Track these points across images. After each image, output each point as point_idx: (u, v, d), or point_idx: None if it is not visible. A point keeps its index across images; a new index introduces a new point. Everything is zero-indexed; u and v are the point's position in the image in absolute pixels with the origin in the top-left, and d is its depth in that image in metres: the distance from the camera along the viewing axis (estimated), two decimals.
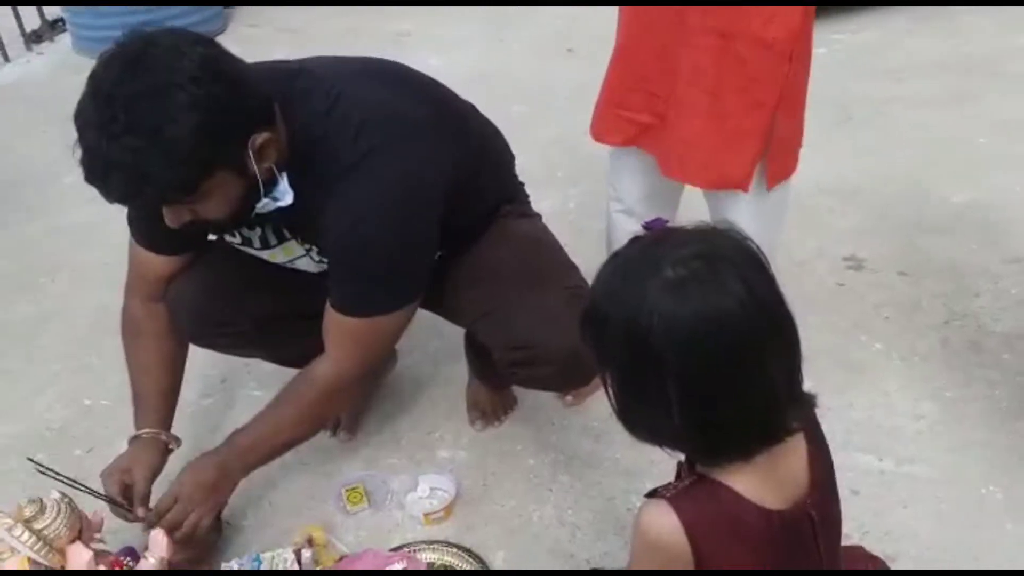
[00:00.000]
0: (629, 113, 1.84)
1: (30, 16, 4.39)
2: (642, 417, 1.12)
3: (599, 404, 1.87)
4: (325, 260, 1.64)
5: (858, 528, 1.75)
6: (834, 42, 3.71)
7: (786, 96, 1.70)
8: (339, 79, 1.54)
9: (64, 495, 1.41)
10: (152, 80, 1.30)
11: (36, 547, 1.32)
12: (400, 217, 1.51)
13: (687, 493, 1.13)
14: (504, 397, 2.10)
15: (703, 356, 1.04)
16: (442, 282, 1.73)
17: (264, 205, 1.49)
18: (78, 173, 1.34)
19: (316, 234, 1.59)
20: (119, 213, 1.70)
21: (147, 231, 1.69)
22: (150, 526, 1.56)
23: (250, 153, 1.40)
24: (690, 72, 1.70)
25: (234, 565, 1.69)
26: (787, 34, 1.64)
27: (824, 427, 1.26)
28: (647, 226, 1.19)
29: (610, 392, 1.14)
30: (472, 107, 1.79)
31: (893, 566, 1.63)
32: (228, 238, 1.68)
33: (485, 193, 1.77)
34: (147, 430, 1.73)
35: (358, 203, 1.48)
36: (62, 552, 1.37)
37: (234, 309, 1.77)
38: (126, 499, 1.65)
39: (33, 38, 4.37)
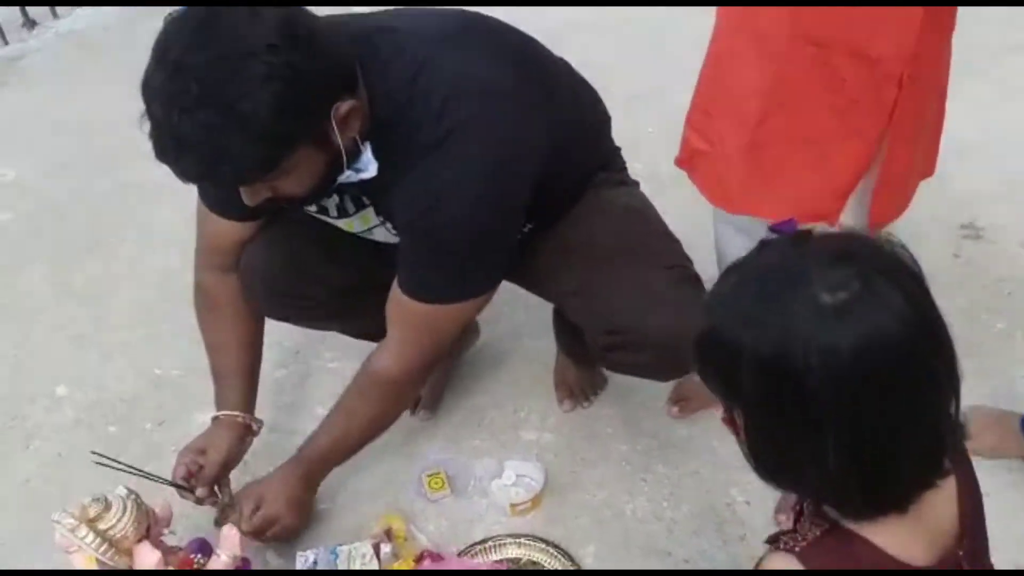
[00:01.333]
0: (687, 129, 1.61)
1: None
2: (784, 464, 0.94)
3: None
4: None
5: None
6: None
7: (898, 126, 1.39)
8: (424, 40, 1.40)
9: (130, 491, 1.32)
10: (224, 48, 1.17)
11: (101, 548, 1.24)
12: (483, 202, 1.37)
13: (820, 546, 0.96)
14: (594, 376, 1.97)
15: (869, 394, 0.86)
16: (531, 255, 1.59)
17: (347, 177, 1.36)
18: (147, 127, 1.23)
19: (390, 209, 1.46)
20: None
21: (218, 194, 1.57)
22: (218, 525, 1.49)
23: (333, 123, 1.27)
24: (770, 87, 1.40)
25: (310, 557, 1.60)
26: (896, 52, 1.33)
27: None
28: (776, 229, 1.02)
29: (740, 432, 0.97)
30: (566, 65, 1.62)
31: None
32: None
33: (579, 162, 1.61)
34: (226, 412, 1.66)
35: (439, 184, 1.35)
36: (129, 553, 1.28)
37: (309, 280, 1.67)
38: (195, 479, 1.59)
39: None
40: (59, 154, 3.07)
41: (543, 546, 1.66)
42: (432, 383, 1.93)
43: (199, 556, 1.37)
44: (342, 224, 1.58)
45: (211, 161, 1.21)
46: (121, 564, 1.27)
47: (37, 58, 3.79)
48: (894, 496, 0.93)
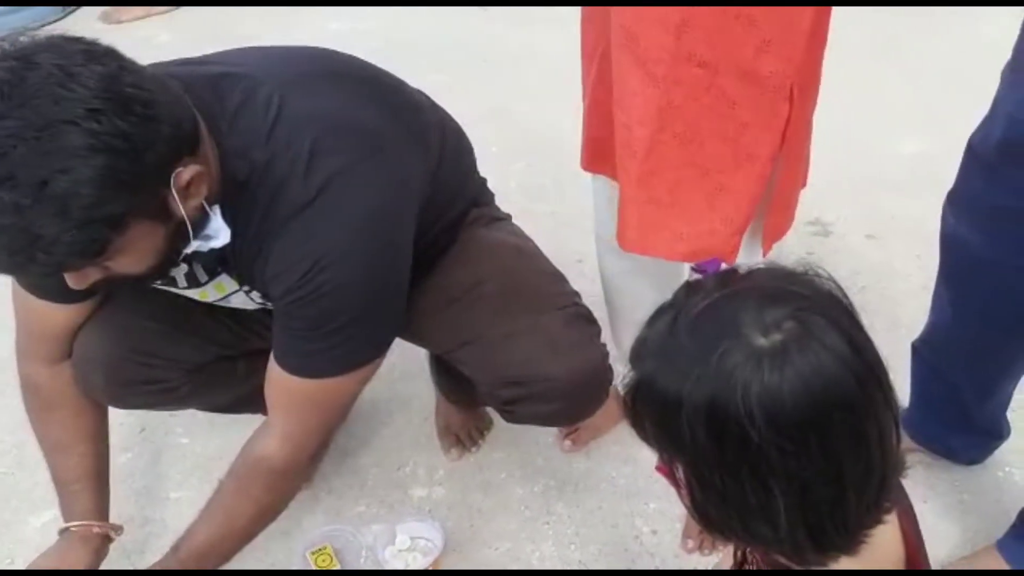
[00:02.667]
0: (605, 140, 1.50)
1: None
2: (732, 519, 0.89)
3: None
4: (268, 304, 1.35)
5: None
6: None
7: (790, 142, 1.35)
8: (275, 84, 1.23)
9: None
10: (32, 116, 0.97)
11: None
12: (370, 259, 1.23)
13: None
14: (478, 418, 1.86)
15: (814, 438, 0.82)
16: (411, 305, 1.46)
17: (195, 247, 1.19)
18: None
19: (256, 279, 1.29)
20: None
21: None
22: None
23: (173, 193, 1.08)
24: (656, 114, 1.31)
25: None
26: (785, 66, 1.27)
27: None
28: (699, 269, 0.96)
29: (682, 487, 0.91)
30: (425, 97, 1.50)
31: None
32: None
33: (455, 199, 1.50)
34: (78, 522, 1.43)
35: (317, 246, 1.19)
36: None
37: (159, 363, 1.47)
38: None
39: None
40: None
41: None
42: None
43: None
44: (194, 294, 1.39)
45: (21, 250, 1.00)
46: None
47: None
48: (846, 541, 0.89)
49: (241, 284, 1.34)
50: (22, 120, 0.97)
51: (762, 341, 0.82)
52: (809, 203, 2.42)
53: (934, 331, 1.65)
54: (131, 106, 1.02)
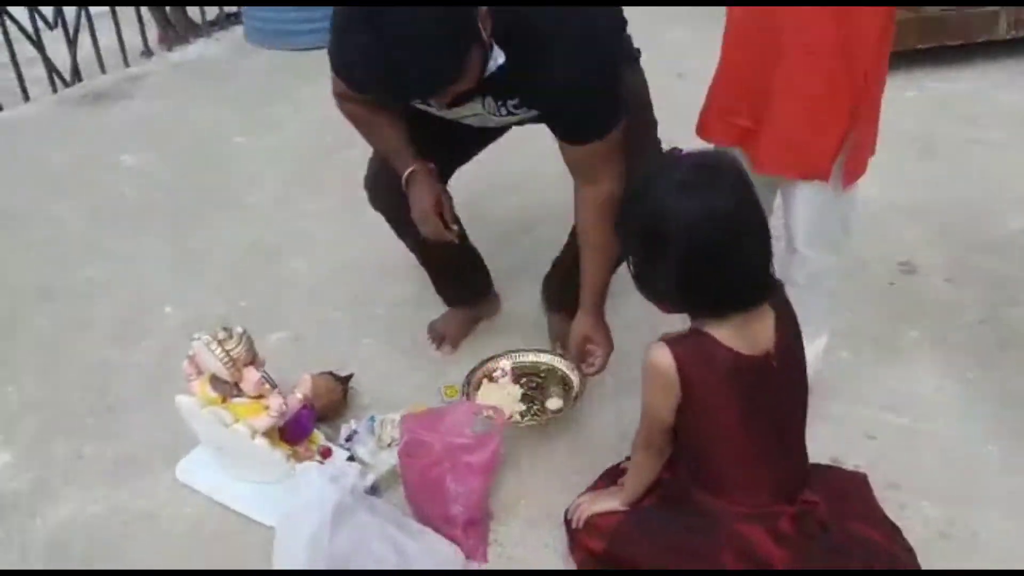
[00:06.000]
0: (732, 117, 2.02)
1: (210, 9, 5.04)
2: (651, 284, 1.55)
3: None
4: (509, 109, 1.87)
5: (869, 464, 2.00)
6: (928, 88, 3.95)
7: (863, 106, 1.87)
8: None
9: (245, 330, 1.87)
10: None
11: (224, 361, 1.78)
12: (590, 59, 1.76)
13: (681, 339, 1.56)
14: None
15: (700, 241, 1.46)
16: None
17: (490, 68, 1.68)
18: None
19: (521, 92, 1.80)
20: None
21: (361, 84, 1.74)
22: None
23: (479, 22, 1.60)
24: (785, 84, 1.85)
25: (352, 423, 2.12)
26: (863, 51, 1.81)
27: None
28: (671, 151, 1.69)
29: (631, 266, 1.58)
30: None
31: (897, 492, 1.94)
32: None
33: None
34: (419, 163, 1.97)
35: (568, 56, 1.72)
36: (240, 370, 1.83)
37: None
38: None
39: (210, 26, 4.98)
40: (171, 148, 3.72)
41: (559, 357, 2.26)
42: (457, 326, 2.49)
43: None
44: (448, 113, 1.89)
45: (445, 58, 1.56)
46: (234, 378, 1.82)
47: (156, 79, 4.50)
48: (711, 309, 1.54)
49: (497, 100, 1.84)
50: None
51: (679, 176, 1.48)
52: (907, 247, 2.86)
53: None
54: None
